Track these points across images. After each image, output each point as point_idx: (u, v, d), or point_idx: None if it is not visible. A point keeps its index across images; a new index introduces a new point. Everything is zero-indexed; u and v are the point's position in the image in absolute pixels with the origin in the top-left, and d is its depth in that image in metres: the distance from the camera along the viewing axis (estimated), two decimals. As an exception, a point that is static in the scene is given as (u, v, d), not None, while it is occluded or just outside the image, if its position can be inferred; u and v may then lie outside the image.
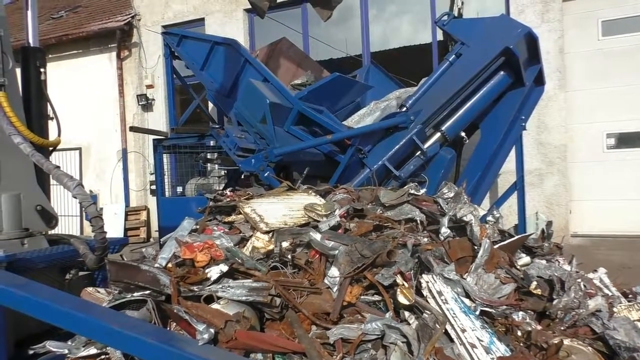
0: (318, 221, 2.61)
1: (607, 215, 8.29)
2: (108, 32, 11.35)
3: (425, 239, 2.82)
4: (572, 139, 8.34)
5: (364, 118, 6.71)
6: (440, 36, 9.29)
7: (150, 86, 11.13)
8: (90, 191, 12.12)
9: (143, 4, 11.53)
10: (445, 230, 2.97)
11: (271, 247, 2.41)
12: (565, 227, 8.21)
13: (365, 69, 8.43)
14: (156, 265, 2.26)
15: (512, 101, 6.59)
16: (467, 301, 2.31)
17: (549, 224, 3.68)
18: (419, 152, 6.06)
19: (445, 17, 6.51)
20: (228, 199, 2.98)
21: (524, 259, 2.94)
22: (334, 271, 2.25)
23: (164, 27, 10.71)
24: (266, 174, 5.42)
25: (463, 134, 6.52)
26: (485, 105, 6.53)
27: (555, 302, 2.39)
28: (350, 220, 2.76)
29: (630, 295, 3.81)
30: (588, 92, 8.32)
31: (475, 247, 2.75)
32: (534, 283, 2.44)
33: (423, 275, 2.30)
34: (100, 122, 11.84)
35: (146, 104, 11.20)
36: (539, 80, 6.80)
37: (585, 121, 8.33)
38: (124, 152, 11.49)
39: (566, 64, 8.28)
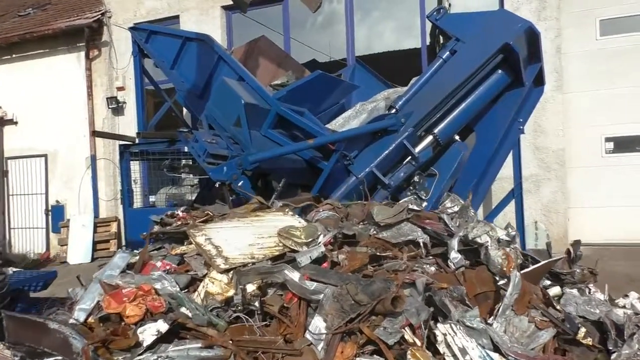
0: (296, 251, 2.02)
1: (607, 222, 7.85)
2: (76, 30, 10.62)
3: (433, 268, 2.23)
4: (570, 143, 7.88)
5: (349, 121, 6.14)
6: (428, 41, 8.81)
7: (121, 88, 10.43)
8: (57, 201, 11.35)
9: (114, 0, 10.83)
10: (455, 256, 2.41)
11: (231, 292, 1.81)
12: (564, 236, 7.74)
13: (350, 68, 7.88)
14: (72, 320, 1.64)
15: (510, 102, 6.09)
16: (496, 357, 1.73)
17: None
18: (410, 157, 5.50)
19: (439, 12, 5.98)
20: (179, 222, 2.37)
21: (553, 289, 2.39)
22: (318, 323, 1.67)
23: (137, 24, 10.02)
24: (240, 184, 4.81)
25: (457, 137, 5.98)
26: (481, 107, 6.01)
27: (614, 356, 1.83)
28: (339, 250, 2.17)
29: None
30: (586, 93, 7.87)
31: (496, 278, 2.18)
32: (582, 330, 1.88)
33: (438, 324, 1.72)
34: (67, 127, 11.08)
35: (117, 108, 10.49)
36: (539, 80, 6.31)
37: (583, 124, 7.89)
38: (93, 159, 10.74)
39: (563, 64, 7.83)
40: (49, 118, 11.16)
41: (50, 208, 11.39)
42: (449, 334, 1.70)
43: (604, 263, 7.18)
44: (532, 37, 5.78)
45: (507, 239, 3.12)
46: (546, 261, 2.73)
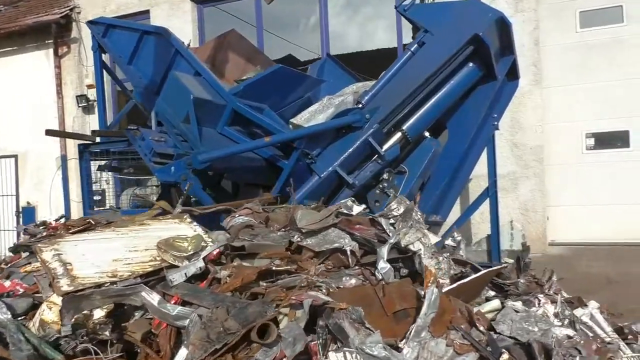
0: (176, 266, 1.74)
1: (587, 221, 7.60)
2: (43, 26, 10.27)
3: (353, 281, 1.95)
4: (549, 139, 7.62)
5: (315, 115, 5.82)
6: (406, 39, 8.54)
7: (91, 86, 10.06)
8: (28, 203, 11.02)
9: (84, -5, 10.49)
10: (384, 266, 2.12)
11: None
12: (542, 236, 7.49)
13: (320, 62, 7.56)
14: None
15: (483, 97, 5.84)
16: (402, 392, 1.45)
17: (526, 249, 2.86)
18: (376, 155, 5.22)
19: (407, 2, 5.70)
20: (44, 234, 2.08)
21: (491, 303, 2.12)
22: (182, 355, 1.38)
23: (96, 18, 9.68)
24: (189, 185, 4.51)
25: (427, 134, 5.72)
26: (452, 101, 5.76)
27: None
28: (229, 265, 1.88)
29: (630, 336, 3.01)
30: (566, 88, 7.62)
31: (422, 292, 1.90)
32: (505, 356, 1.60)
33: (329, 353, 1.44)
34: (37, 127, 10.67)
35: (87, 106, 10.16)
36: (513, 74, 6.05)
37: (563, 120, 7.63)
38: (64, 159, 10.41)
39: (542, 57, 7.56)
40: (19, 117, 10.82)
41: (21, 210, 11.05)
42: (343, 363, 1.43)
43: (582, 264, 6.96)
44: (504, 28, 5.52)
45: (453, 244, 2.85)
46: (485, 271, 2.46)
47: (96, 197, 9.83)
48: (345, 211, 2.48)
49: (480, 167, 6.49)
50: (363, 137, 5.15)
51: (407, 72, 5.47)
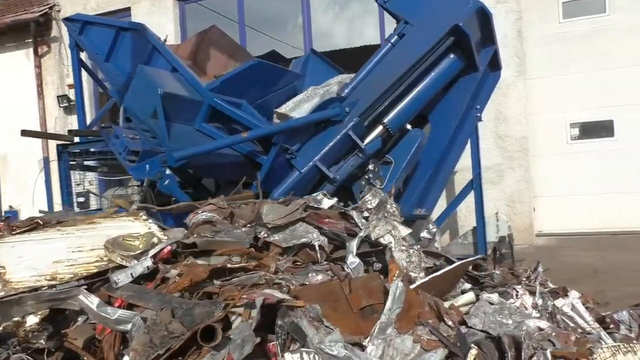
0: (124, 266, 1.66)
1: (573, 211, 7.60)
2: (22, 25, 10.11)
3: (320, 277, 1.88)
4: (534, 130, 7.59)
5: (300, 105, 5.73)
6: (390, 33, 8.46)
7: (72, 86, 9.89)
8: (10, 206, 10.85)
9: (63, -7, 10.33)
10: (353, 260, 2.05)
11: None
12: (529, 227, 7.47)
13: (303, 57, 7.47)
14: None
15: (465, 88, 5.79)
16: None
17: (502, 239, 2.81)
18: (357, 149, 5.15)
19: (387, -6, 5.62)
20: None
21: (465, 296, 2.06)
22: (125, 360, 1.30)
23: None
24: (166, 183, 4.43)
25: (409, 126, 5.65)
26: (433, 93, 5.70)
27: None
28: (180, 263, 1.80)
29: (612, 326, 2.97)
30: (549, 79, 7.59)
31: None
32: (473, 351, 1.54)
33: (285, 354, 1.37)
34: (18, 128, 10.47)
35: (69, 106, 10.00)
36: (495, 65, 6.01)
37: (547, 111, 7.60)
38: (46, 161, 10.23)
39: (525, 48, 7.52)
40: (0, 118, 10.64)
41: (3, 213, 10.88)
42: (299, 364, 1.36)
43: (569, 254, 6.95)
44: (485, 18, 5.47)
45: (428, 236, 2.80)
46: (458, 263, 2.40)
47: (80, 199, 9.74)
48: (314, 205, 2.41)
49: (465, 160, 6.46)
50: (343, 130, 5.08)
51: (387, 64, 5.40)
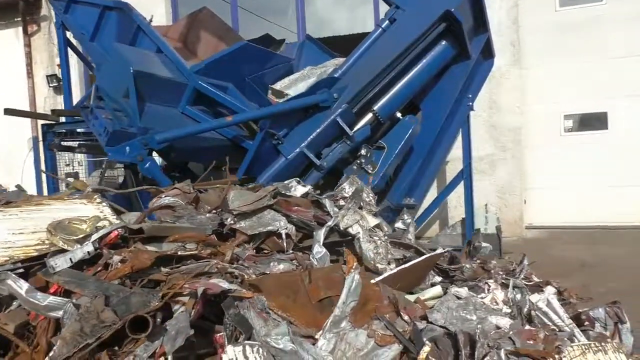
0: (66, 250, 1.58)
1: (564, 204, 7.53)
2: (11, 3, 9.91)
3: (281, 266, 1.80)
4: (527, 121, 7.49)
5: (296, 83, 5.62)
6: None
7: (61, 65, 9.77)
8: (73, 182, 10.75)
9: (53, -29, 10.12)
10: (319, 250, 1.97)
11: None
12: (519, 219, 7.41)
13: (298, 43, 7.34)
14: None
15: (457, 76, 5.69)
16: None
17: (477, 232, 2.73)
18: (345, 136, 5.06)
19: (379, -23, 5.49)
20: None
21: (432, 290, 1.98)
22: (56, 350, 1.23)
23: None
24: (147, 165, 4.33)
25: (399, 114, 5.55)
26: (425, 81, 5.59)
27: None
28: (125, 249, 1.71)
29: (587, 323, 2.91)
30: (545, 68, 7.47)
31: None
32: (426, 348, 1.47)
33: (227, 347, 1.29)
34: (8, 107, 10.42)
35: (58, 86, 9.84)
36: (488, 53, 5.90)
37: (541, 101, 7.50)
38: (35, 141, 10.06)
39: (521, 37, 7.39)
40: (-13, 98, 10.48)
41: (-5, 192, 10.77)
42: (240, 358, 1.28)
43: (558, 247, 6.90)
44: (477, 4, 5.36)
45: (403, 227, 2.72)
46: (425, 256, 2.32)
47: (70, 179, 9.63)
48: (284, 192, 2.32)
49: (457, 150, 6.38)
50: (331, 117, 4.97)
51: (377, 49, 5.29)
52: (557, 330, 2.30)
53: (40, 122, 9.69)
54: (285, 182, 2.54)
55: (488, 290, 2.33)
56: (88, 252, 1.62)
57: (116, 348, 1.31)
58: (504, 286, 2.47)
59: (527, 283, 4.23)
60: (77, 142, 5.41)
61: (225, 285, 1.46)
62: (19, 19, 10.12)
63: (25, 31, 10.15)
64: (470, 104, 5.97)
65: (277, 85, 5.57)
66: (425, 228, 7.70)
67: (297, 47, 7.03)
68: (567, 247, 6.81)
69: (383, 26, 5.34)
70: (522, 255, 4.64)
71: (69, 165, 9.49)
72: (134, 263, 1.58)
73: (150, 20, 5.73)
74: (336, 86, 5.07)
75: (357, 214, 2.21)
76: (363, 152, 5.23)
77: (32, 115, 6.34)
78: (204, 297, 1.38)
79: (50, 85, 9.95)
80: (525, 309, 2.55)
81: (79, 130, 6.61)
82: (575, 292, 3.86)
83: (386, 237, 2.37)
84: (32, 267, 1.64)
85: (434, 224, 7.73)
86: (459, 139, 6.37)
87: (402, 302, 1.79)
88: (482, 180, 7.35)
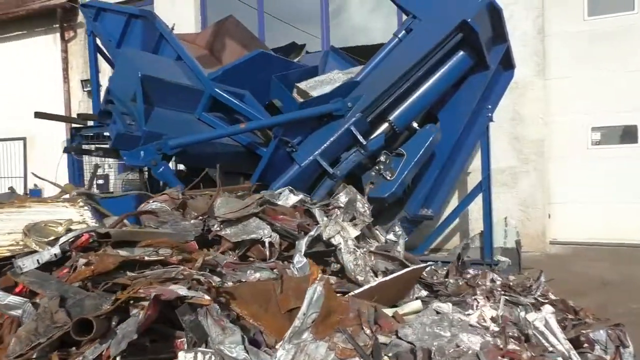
0: (37, 251, 1.65)
1: (590, 220, 7.29)
2: (50, 10, 10.35)
3: (258, 274, 1.82)
4: (552, 132, 7.30)
5: (322, 85, 5.65)
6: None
7: (96, 70, 10.10)
8: (35, 185, 11.16)
9: (90, -20, 10.52)
10: (300, 260, 1.99)
11: None
12: (542, 234, 7.21)
13: (322, 53, 7.39)
14: None
15: (475, 87, 5.62)
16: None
17: (466, 246, 2.70)
18: (359, 145, 5.06)
19: (397, -13, 5.49)
20: None
21: (411, 304, 1.97)
22: (11, 348, 1.29)
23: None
24: (160, 170, 4.45)
25: (415, 124, 5.52)
26: (442, 91, 5.56)
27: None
28: (91, 253, 1.77)
29: (586, 345, 2.82)
30: (571, 79, 7.27)
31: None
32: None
33: (180, 353, 1.33)
34: (45, 110, 10.80)
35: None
36: (507, 63, 5.80)
37: (567, 113, 7.29)
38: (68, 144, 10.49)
39: (546, 47, 7.23)
40: (28, 101, 10.93)
41: (28, 192, 11.21)
42: (191, 365, 1.31)
43: (580, 264, 6.68)
44: (495, 14, 5.28)
45: (394, 239, 2.70)
46: (406, 270, 2.29)
47: (100, 181, 9.95)
48: (272, 200, 2.35)
49: (479, 160, 6.26)
50: (345, 126, 5.00)
51: (393, 59, 5.29)
52: (549, 351, 2.24)
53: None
54: (278, 190, 2.57)
55: (475, 307, 2.28)
56: (55, 254, 1.69)
57: (74, 349, 1.37)
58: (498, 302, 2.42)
59: (543, 300, 4.15)
60: (95, 146, 5.56)
61: (181, 291, 1.50)
62: (57, 25, 10.53)
63: (62, 37, 10.57)
64: (490, 114, 5.88)
65: (303, 85, 5.61)
66: (445, 240, 7.59)
67: (321, 56, 7.09)
68: (590, 264, 6.59)
69: (399, 36, 5.33)
70: (539, 271, 4.54)
71: (100, 167, 9.78)
72: (96, 266, 1.63)
73: (172, 29, 5.88)
74: (351, 95, 5.09)
75: (338, 224, 2.22)
76: (382, 158, 5.22)
77: (60, 118, 6.59)
78: (155, 302, 1.42)
79: (85, 89, 10.31)
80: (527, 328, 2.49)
81: (106, 133, 6.84)
82: (592, 312, 3.73)
83: (366, 249, 2.36)
84: (3, 266, 1.72)
85: (454, 235, 7.61)
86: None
87: (370, 316, 1.78)
88: (504, 192, 7.20)
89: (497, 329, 2.18)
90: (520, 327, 2.56)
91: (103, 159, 8.03)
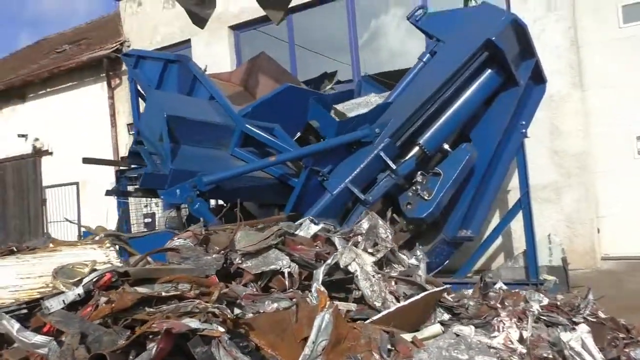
0: (64, 292, 1.76)
1: (644, 233, 6.91)
2: (97, 61, 11.02)
3: (275, 305, 1.88)
4: (594, 144, 7.05)
5: (358, 107, 5.78)
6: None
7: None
8: (88, 228, 11.71)
9: (133, 30, 11.15)
10: (321, 289, 2.02)
11: None
12: (591, 249, 6.90)
13: (357, 84, 7.50)
14: None
15: (506, 104, 5.57)
16: None
17: (485, 271, 2.65)
18: (389, 170, 5.08)
19: (419, 12, 5.57)
20: None
21: (431, 328, 1.96)
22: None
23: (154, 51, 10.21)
24: (196, 206, 4.60)
25: (446, 146, 5.49)
26: (471, 111, 5.53)
27: None
28: (113, 291, 1.86)
29: (625, 364, 2.70)
30: (610, 89, 7.04)
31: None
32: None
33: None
34: (94, 155, 11.30)
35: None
36: (538, 78, 5.71)
37: (608, 123, 7.04)
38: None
39: (582, 57, 7.07)
40: (79, 147, 11.56)
41: (82, 235, 11.75)
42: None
43: (635, 280, 6.33)
44: (519, 30, 5.25)
45: (416, 263, 2.68)
46: (426, 292, 2.26)
47: (146, 220, 10.33)
48: (290, 231, 2.41)
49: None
50: (374, 152, 5.04)
51: (419, 83, 5.34)
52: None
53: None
54: (299, 221, 2.63)
55: (500, 329, 2.22)
56: (79, 294, 1.81)
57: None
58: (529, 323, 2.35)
59: (592, 320, 3.98)
60: (134, 187, 5.83)
61: (192, 324, 1.56)
62: (103, 74, 11.19)
63: (109, 85, 11.19)
64: (524, 130, 5.78)
65: (340, 106, 5.72)
66: (490, 260, 7.40)
67: (355, 88, 7.20)
68: (642, 280, 6.25)
69: (424, 59, 5.38)
70: (587, 289, 4.35)
71: (146, 206, 10.16)
72: (116, 304, 1.73)
73: (205, 70, 6.15)
74: (378, 121, 5.14)
75: (352, 252, 2.25)
76: (419, 178, 5.21)
77: (106, 162, 6.97)
78: (167, 336, 1.50)
79: (130, 132, 10.81)
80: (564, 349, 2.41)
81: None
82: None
83: (380, 275, 2.37)
84: (35, 307, 1.84)
85: (498, 255, 7.40)
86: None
87: (383, 341, 1.79)
88: (548, 209, 6.98)
89: (524, 350, 2.12)
90: (560, 348, 2.49)
91: (151, 199, 8.37)
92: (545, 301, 4.15)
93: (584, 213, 6.91)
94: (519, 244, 7.22)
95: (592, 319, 4.01)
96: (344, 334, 1.72)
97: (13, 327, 1.61)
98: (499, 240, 7.05)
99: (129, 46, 11.06)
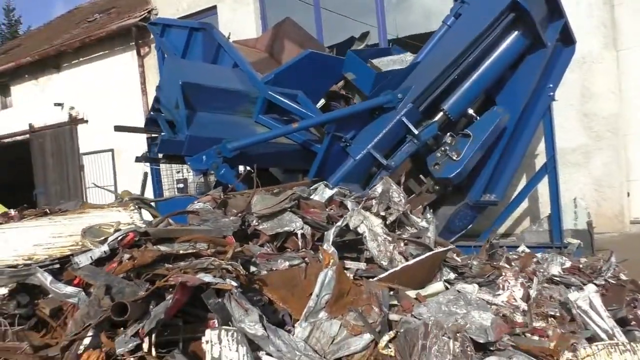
0: (91, 249, 1.92)
1: (677, 197, 6.76)
2: (126, 30, 11.19)
3: (287, 263, 2.00)
4: (626, 107, 6.84)
5: (393, 64, 5.76)
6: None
7: (170, 82, 10.80)
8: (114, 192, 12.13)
9: (160, -2, 11.25)
10: (327, 248, 2.14)
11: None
12: (620, 213, 6.80)
13: (385, 49, 7.41)
14: None
15: (533, 66, 5.45)
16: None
17: (494, 231, 2.71)
18: (412, 135, 5.09)
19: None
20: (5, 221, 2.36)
21: (434, 285, 2.05)
22: (69, 328, 1.55)
23: (180, 19, 10.29)
24: (222, 172, 4.75)
25: (471, 111, 5.44)
26: (497, 74, 5.45)
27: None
28: (135, 249, 2.01)
29: (633, 322, 2.75)
30: (646, 49, 6.78)
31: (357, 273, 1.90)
32: (385, 337, 1.57)
33: (207, 330, 1.52)
34: (127, 123, 11.65)
35: (167, 101, 10.90)
36: (567, 39, 5.55)
37: (642, 85, 6.81)
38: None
39: (616, 16, 6.79)
40: (112, 115, 11.87)
41: (117, 198, 12.20)
42: (214, 340, 1.49)
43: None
44: (547, -11, 5.08)
45: (425, 225, 2.75)
46: (430, 252, 2.34)
47: (179, 185, 10.63)
48: (303, 195, 2.52)
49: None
50: (397, 117, 5.04)
51: (443, 46, 5.26)
52: (585, 328, 2.22)
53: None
54: (314, 185, 2.73)
55: (504, 287, 2.30)
56: (104, 251, 1.97)
57: (122, 328, 1.62)
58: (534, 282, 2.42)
59: (613, 282, 4.00)
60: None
61: (206, 278, 1.70)
62: (133, 43, 11.36)
63: (138, 53, 11.38)
64: (552, 93, 5.66)
65: (376, 61, 5.73)
66: (516, 224, 7.40)
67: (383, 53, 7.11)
68: (674, 245, 6.14)
69: (448, 23, 5.29)
70: (609, 252, 4.35)
71: (179, 172, 10.44)
72: (138, 260, 1.88)
73: (229, 37, 6.20)
74: (401, 87, 5.12)
75: (361, 214, 2.34)
76: (448, 139, 5.20)
77: (136, 130, 7.18)
78: (182, 288, 1.64)
79: (160, 100, 11.03)
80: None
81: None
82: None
83: (387, 236, 2.46)
84: (66, 263, 2.02)
85: (524, 219, 7.38)
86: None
87: (384, 297, 1.90)
88: (576, 172, 6.88)
89: (526, 308, 2.19)
90: (570, 307, 2.55)
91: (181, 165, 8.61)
92: (568, 264, 4.19)
93: (614, 176, 6.79)
94: (546, 208, 7.16)
95: (613, 281, 4.04)
96: (347, 289, 1.83)
97: (47, 279, 1.79)
98: (525, 204, 7.02)
99: (156, 14, 11.16)
